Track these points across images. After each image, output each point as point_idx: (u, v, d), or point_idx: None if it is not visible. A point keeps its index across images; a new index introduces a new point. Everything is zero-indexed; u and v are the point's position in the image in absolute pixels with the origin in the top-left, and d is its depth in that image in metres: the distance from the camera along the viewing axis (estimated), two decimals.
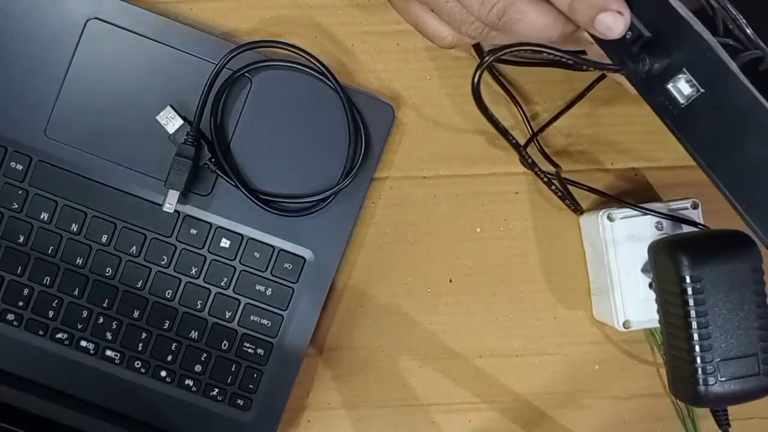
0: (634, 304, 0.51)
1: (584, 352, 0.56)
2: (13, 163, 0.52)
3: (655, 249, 0.48)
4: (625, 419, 0.56)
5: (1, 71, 0.52)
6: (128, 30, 0.52)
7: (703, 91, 0.34)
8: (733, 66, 0.32)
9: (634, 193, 0.55)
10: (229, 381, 0.53)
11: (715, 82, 0.34)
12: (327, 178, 0.53)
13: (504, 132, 0.46)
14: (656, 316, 0.48)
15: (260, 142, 0.53)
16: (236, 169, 0.53)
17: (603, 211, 0.52)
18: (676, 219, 0.51)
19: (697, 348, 0.44)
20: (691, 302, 0.44)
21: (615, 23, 0.32)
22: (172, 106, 0.52)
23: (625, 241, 0.51)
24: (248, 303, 0.53)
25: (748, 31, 0.32)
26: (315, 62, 0.51)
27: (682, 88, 0.35)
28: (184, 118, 0.51)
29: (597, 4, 0.32)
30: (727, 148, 0.35)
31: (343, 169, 0.53)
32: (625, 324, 0.51)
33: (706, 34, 0.33)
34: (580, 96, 0.54)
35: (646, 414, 0.56)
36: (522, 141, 0.53)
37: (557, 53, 0.36)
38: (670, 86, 0.35)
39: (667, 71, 0.35)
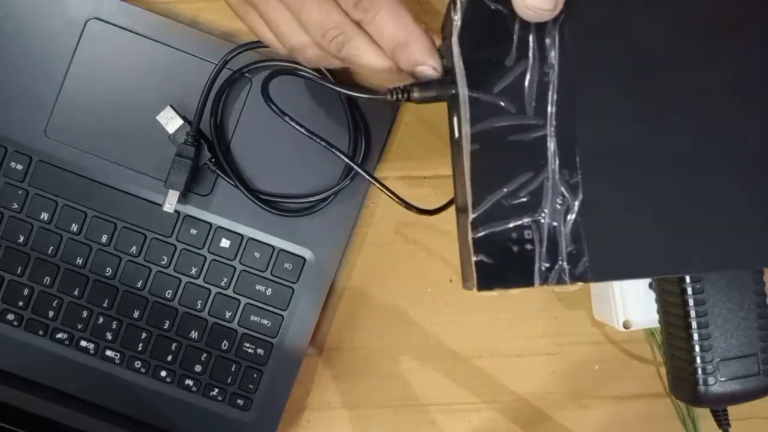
0: (634, 304, 0.51)
1: (584, 352, 0.56)
2: (13, 163, 0.52)
3: None
4: (624, 419, 0.56)
5: (1, 71, 0.52)
6: (128, 30, 0.52)
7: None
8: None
9: None
10: (229, 381, 0.53)
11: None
12: (327, 178, 0.53)
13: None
14: (656, 316, 0.48)
15: (260, 142, 0.53)
16: (236, 169, 0.53)
17: None
18: None
19: (697, 348, 0.44)
20: (691, 302, 0.44)
21: (431, 72, 0.37)
22: (172, 106, 0.52)
23: None
24: (248, 303, 0.53)
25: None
26: None
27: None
28: (184, 118, 0.52)
29: (414, 60, 0.37)
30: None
31: (343, 169, 0.53)
32: (625, 324, 0.51)
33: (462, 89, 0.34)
34: None
35: (646, 414, 0.56)
36: None
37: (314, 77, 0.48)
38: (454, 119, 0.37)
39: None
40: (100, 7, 0.52)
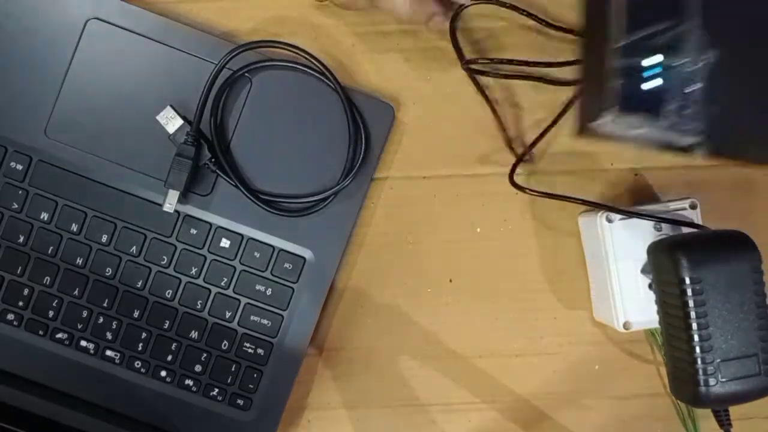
0: (634, 305, 0.51)
1: (584, 352, 0.56)
2: (13, 163, 0.52)
3: (654, 250, 0.48)
4: (625, 419, 0.56)
5: (1, 71, 0.52)
6: (128, 30, 0.52)
7: None
8: None
9: (633, 194, 0.55)
10: (229, 381, 0.53)
11: None
12: (327, 178, 0.53)
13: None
14: (656, 317, 0.48)
15: (260, 142, 0.53)
16: (236, 169, 0.53)
17: (602, 212, 0.52)
18: (672, 221, 0.51)
19: (698, 349, 0.44)
20: (691, 303, 0.44)
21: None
22: (172, 106, 0.52)
23: (624, 242, 0.51)
24: (248, 303, 0.53)
25: None
26: (315, 62, 0.51)
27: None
28: (184, 118, 0.51)
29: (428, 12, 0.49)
30: None
31: (343, 169, 0.53)
32: (626, 325, 0.51)
33: None
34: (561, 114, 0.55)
35: (646, 414, 0.56)
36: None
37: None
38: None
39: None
40: (100, 7, 0.52)
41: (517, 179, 0.54)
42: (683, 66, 0.36)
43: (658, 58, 0.36)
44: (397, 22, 0.54)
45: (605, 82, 0.36)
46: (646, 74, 0.36)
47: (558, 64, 0.53)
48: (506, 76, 0.54)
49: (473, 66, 0.54)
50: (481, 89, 0.54)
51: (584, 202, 0.53)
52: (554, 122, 0.54)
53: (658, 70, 0.36)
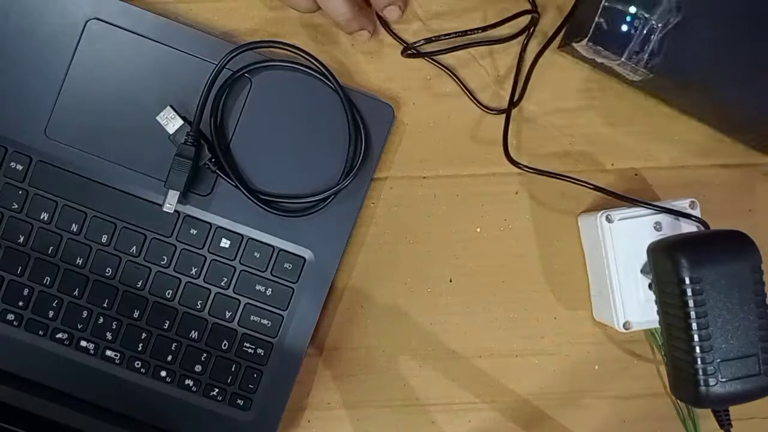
0: (634, 305, 0.51)
1: (584, 352, 0.56)
2: (13, 163, 0.52)
3: (654, 250, 0.48)
4: (625, 419, 0.56)
5: (1, 71, 0.52)
6: (128, 30, 0.52)
7: None
8: None
9: (633, 193, 0.55)
10: (229, 381, 0.53)
11: None
12: (327, 178, 0.53)
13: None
14: (656, 317, 0.48)
15: (260, 142, 0.53)
16: (236, 170, 0.53)
17: (601, 212, 0.52)
18: (675, 212, 0.51)
19: (698, 349, 0.44)
20: (691, 303, 0.44)
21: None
22: (172, 106, 0.52)
23: (624, 242, 0.51)
24: (248, 303, 0.53)
25: None
26: (315, 62, 0.51)
27: None
28: (184, 118, 0.51)
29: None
30: None
31: (343, 169, 0.53)
32: (626, 325, 0.51)
33: None
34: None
35: (646, 414, 0.56)
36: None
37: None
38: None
39: None
40: (100, 7, 0.52)
41: (517, 179, 0.54)
42: (652, 20, 0.48)
43: (633, 9, 0.48)
44: (397, 22, 0.54)
45: (592, 15, 0.48)
46: (621, 19, 0.48)
47: (497, 24, 0.53)
48: (453, 49, 0.54)
49: (420, 48, 0.53)
50: (443, 67, 0.55)
51: (585, 183, 0.52)
52: (517, 69, 0.55)
53: (631, 18, 0.48)
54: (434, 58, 0.55)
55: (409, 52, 0.53)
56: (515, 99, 0.55)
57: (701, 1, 0.48)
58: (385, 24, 0.55)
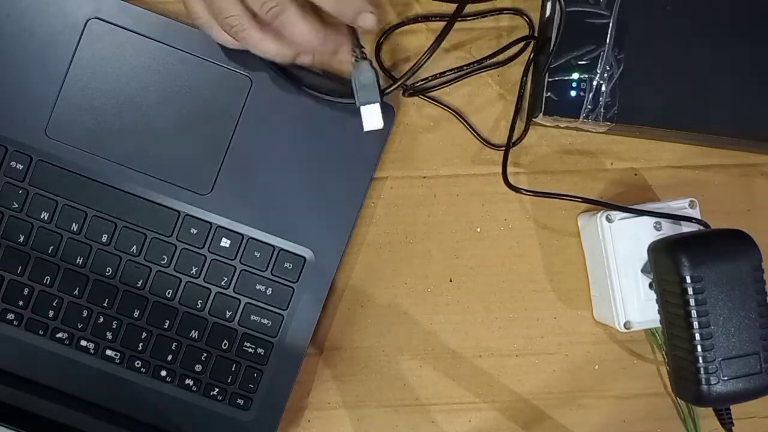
0: (635, 304, 0.51)
1: (584, 351, 0.56)
2: (13, 163, 0.52)
3: (654, 250, 0.48)
4: (625, 419, 0.56)
5: (1, 71, 0.52)
6: (128, 30, 0.52)
7: None
8: None
9: (633, 193, 0.56)
10: (229, 381, 0.53)
11: None
12: (327, 178, 0.53)
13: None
14: (657, 317, 0.48)
15: (264, 141, 0.53)
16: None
17: (602, 212, 0.52)
18: (672, 216, 0.51)
19: (699, 348, 0.44)
20: (692, 302, 0.44)
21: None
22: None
23: (624, 241, 0.51)
24: (248, 302, 0.53)
25: None
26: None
27: None
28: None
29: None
30: None
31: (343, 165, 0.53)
32: (626, 325, 0.51)
33: None
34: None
35: (646, 414, 0.56)
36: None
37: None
38: None
39: None
40: (100, 7, 0.52)
41: (517, 179, 0.54)
42: (595, 79, 0.52)
43: (576, 75, 0.52)
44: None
45: (541, 92, 0.52)
46: (568, 87, 0.52)
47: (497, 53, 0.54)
48: (449, 82, 0.55)
49: (419, 87, 0.54)
50: (444, 105, 0.55)
51: (583, 200, 0.53)
52: (518, 101, 0.55)
53: (576, 83, 0.52)
54: (437, 99, 0.55)
55: (410, 91, 0.54)
56: (514, 136, 0.55)
57: (639, 47, 0.51)
58: (380, 62, 0.54)
